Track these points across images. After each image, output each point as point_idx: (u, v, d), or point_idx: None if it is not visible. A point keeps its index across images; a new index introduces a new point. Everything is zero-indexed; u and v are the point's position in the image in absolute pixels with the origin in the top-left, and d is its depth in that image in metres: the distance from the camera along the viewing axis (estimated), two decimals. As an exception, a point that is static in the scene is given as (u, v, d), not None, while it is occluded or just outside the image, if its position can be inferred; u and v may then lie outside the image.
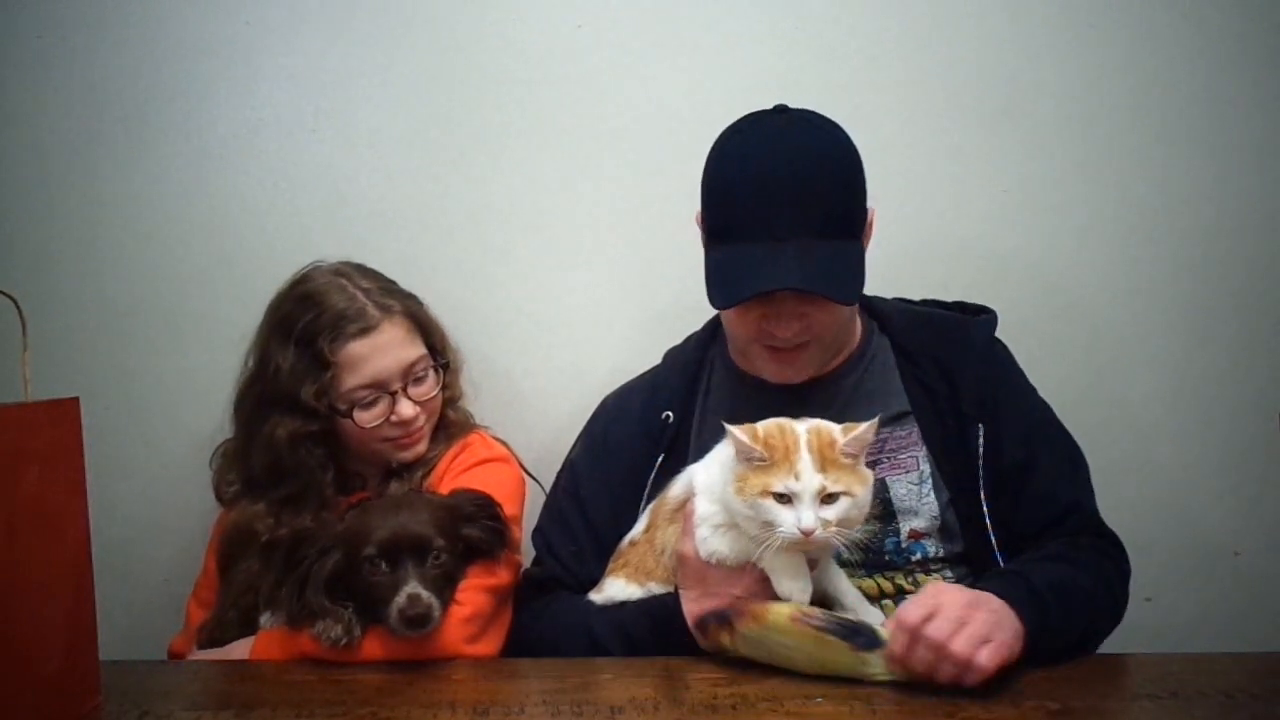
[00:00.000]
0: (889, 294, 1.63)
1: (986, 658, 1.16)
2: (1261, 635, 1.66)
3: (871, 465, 1.37)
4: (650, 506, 1.45)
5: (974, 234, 1.86)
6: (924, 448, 1.45)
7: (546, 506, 1.61)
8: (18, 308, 1.10)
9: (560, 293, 1.88)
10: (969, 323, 1.55)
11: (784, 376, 1.46)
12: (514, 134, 1.87)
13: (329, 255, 1.67)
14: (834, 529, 1.23)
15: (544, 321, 1.89)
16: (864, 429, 1.27)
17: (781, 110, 1.45)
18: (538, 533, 1.58)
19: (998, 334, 1.56)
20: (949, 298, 1.63)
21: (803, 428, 1.29)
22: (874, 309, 1.58)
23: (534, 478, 1.67)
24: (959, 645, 1.16)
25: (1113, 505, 1.55)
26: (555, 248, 1.88)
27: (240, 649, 1.44)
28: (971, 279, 1.80)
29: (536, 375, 1.88)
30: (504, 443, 1.68)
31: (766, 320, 1.40)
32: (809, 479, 1.23)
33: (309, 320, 1.55)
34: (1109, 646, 1.53)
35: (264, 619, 1.47)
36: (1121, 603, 1.42)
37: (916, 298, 1.65)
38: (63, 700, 1.10)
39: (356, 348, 1.54)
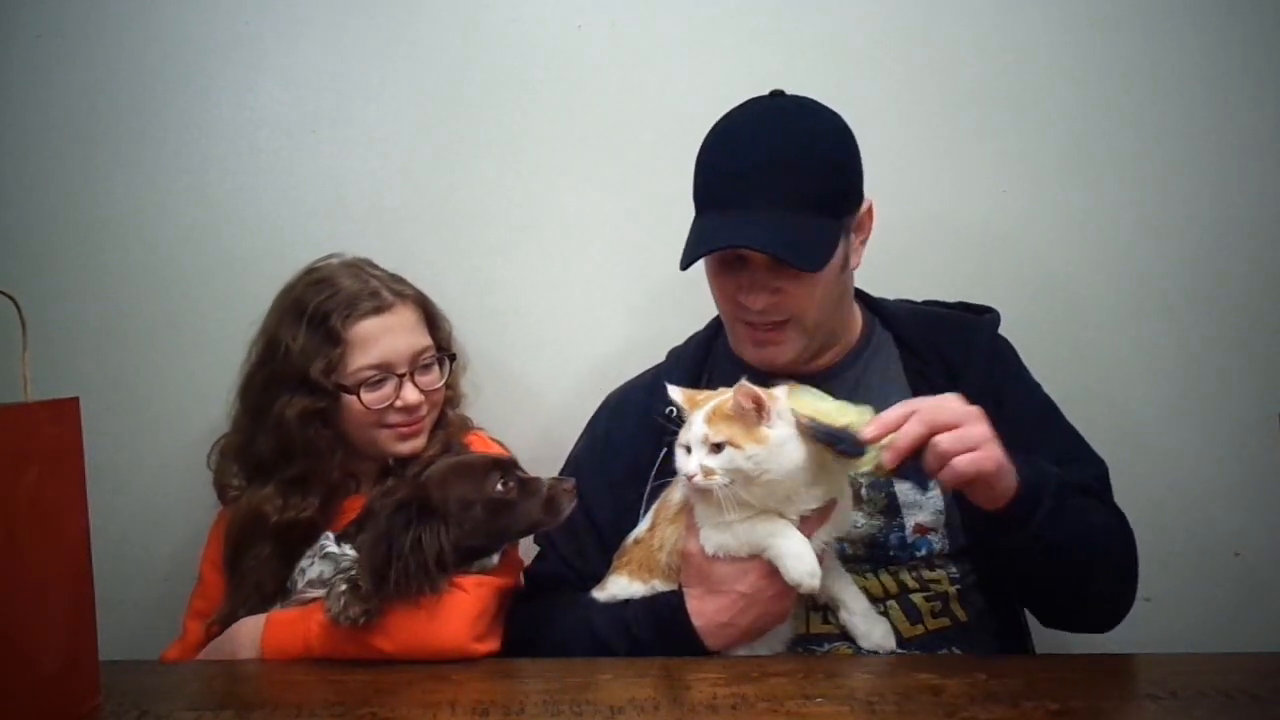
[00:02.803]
0: (891, 292, 1.63)
1: (970, 461, 1.21)
2: (1261, 635, 1.66)
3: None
4: (655, 506, 1.45)
5: (973, 233, 1.86)
6: None
7: None
8: (18, 308, 1.10)
9: (560, 292, 1.88)
10: (973, 321, 1.56)
11: (762, 358, 1.47)
12: (514, 134, 1.87)
13: (327, 255, 1.67)
14: (718, 476, 1.26)
15: (544, 321, 1.89)
16: (728, 392, 1.29)
17: (777, 94, 1.47)
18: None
19: (1001, 333, 1.57)
20: (949, 297, 1.63)
21: (730, 391, 1.30)
22: (875, 305, 1.58)
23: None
24: (946, 439, 1.21)
25: (1113, 505, 1.56)
26: (556, 248, 1.88)
27: (248, 628, 1.42)
28: (971, 278, 1.80)
29: (536, 374, 1.88)
30: (501, 444, 1.68)
31: (740, 291, 1.42)
32: (697, 429, 1.29)
33: (323, 299, 1.57)
34: (1110, 646, 1.53)
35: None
36: (1129, 560, 1.43)
37: (918, 298, 1.65)
38: (63, 700, 1.09)
39: (369, 325, 1.56)
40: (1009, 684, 1.18)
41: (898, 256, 1.82)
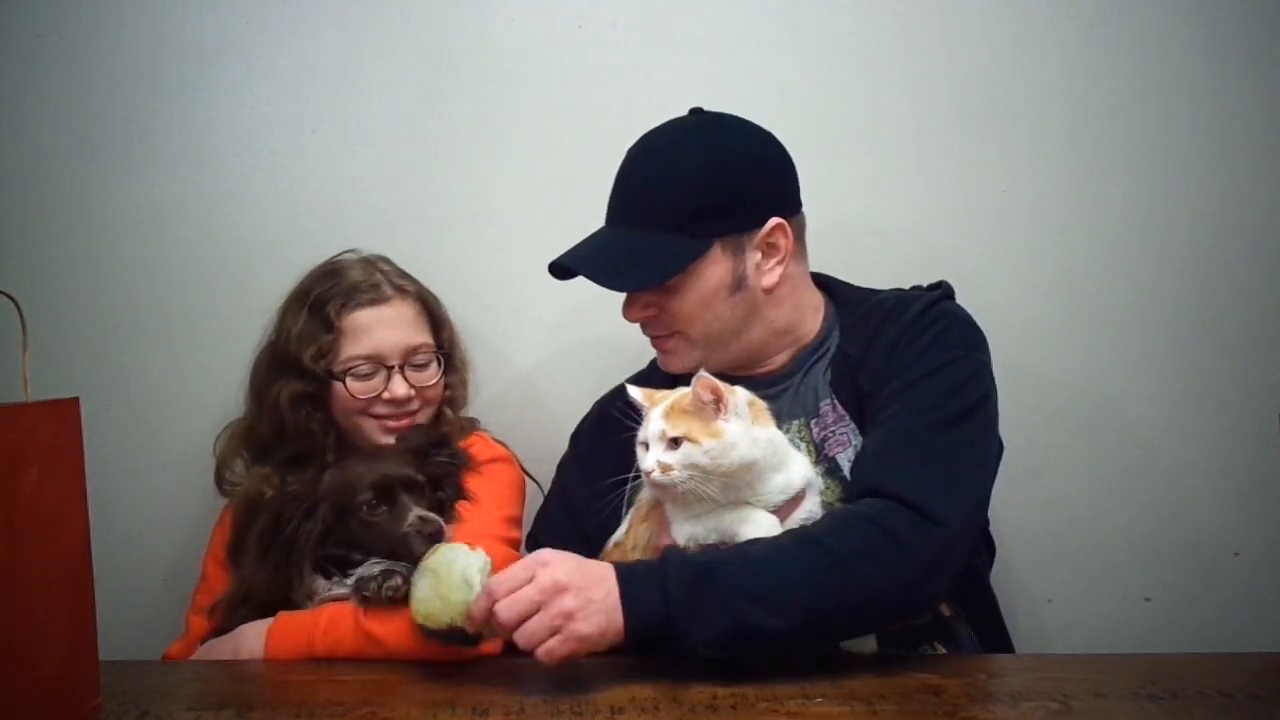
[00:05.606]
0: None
1: (546, 652, 1.17)
2: (1261, 635, 1.66)
3: (823, 443, 1.42)
4: (630, 511, 1.44)
5: (973, 234, 1.86)
6: (852, 423, 1.43)
7: (540, 510, 1.62)
8: (18, 308, 1.10)
9: (560, 292, 1.88)
10: (912, 297, 1.48)
11: (665, 364, 1.51)
12: (514, 134, 1.87)
13: (328, 255, 1.67)
14: (676, 471, 1.26)
15: (542, 322, 1.89)
16: (686, 390, 1.30)
17: (695, 112, 1.50)
18: (530, 536, 1.58)
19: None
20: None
21: (686, 388, 1.31)
22: (840, 304, 1.54)
23: (533, 478, 1.68)
24: (522, 636, 1.18)
25: (1113, 505, 1.55)
26: (555, 248, 1.88)
27: (253, 630, 1.42)
28: (971, 278, 1.79)
29: (533, 375, 1.88)
30: (503, 443, 1.68)
31: (625, 304, 1.48)
32: (654, 425, 1.29)
33: (325, 289, 1.61)
34: (1110, 646, 1.53)
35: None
36: (876, 578, 1.23)
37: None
38: (63, 700, 1.09)
39: (362, 316, 1.59)
40: (1009, 684, 1.18)
41: (897, 256, 1.82)
